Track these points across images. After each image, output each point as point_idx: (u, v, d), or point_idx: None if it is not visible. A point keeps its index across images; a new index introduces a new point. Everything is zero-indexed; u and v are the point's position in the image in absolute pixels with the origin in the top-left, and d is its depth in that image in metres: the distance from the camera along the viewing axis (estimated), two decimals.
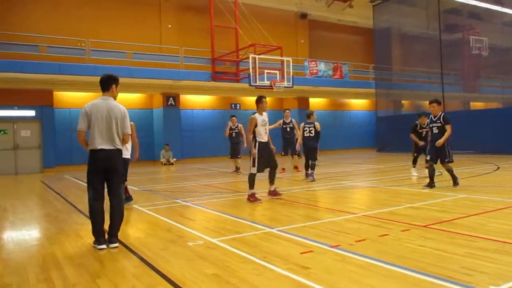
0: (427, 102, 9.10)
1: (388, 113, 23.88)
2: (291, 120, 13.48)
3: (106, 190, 5.07)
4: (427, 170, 8.94)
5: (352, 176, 12.29)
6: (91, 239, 5.08)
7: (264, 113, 8.07)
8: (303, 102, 24.10)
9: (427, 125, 9.29)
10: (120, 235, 5.14)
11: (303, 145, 11.38)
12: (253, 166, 7.83)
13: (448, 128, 8.41)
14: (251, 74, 16.34)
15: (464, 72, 23.45)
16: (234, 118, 14.00)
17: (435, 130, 8.59)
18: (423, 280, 3.45)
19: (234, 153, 13.76)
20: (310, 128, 11.06)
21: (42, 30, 17.06)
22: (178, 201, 8.37)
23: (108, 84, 5.10)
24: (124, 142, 5.14)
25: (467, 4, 22.09)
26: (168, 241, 5.15)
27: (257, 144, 7.84)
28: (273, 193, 8.19)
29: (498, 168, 12.45)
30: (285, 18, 24.13)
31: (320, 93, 24.50)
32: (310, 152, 11.12)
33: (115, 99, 5.15)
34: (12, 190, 11.84)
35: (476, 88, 23.99)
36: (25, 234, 5.98)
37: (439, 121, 8.54)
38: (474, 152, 17.49)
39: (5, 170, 16.78)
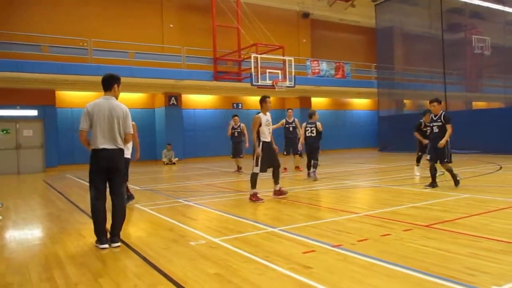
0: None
1: (390, 112, 23.84)
2: (293, 120, 13.48)
3: (108, 189, 5.08)
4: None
5: (354, 175, 12.28)
6: (93, 238, 5.08)
7: (268, 113, 8.08)
8: (305, 101, 24.08)
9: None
10: (122, 234, 5.15)
11: (305, 144, 11.41)
12: (256, 165, 7.82)
13: (449, 127, 8.39)
14: (253, 73, 16.32)
15: (467, 72, 23.38)
16: (236, 117, 14.00)
17: (436, 129, 8.58)
18: (426, 280, 3.44)
19: (236, 153, 13.77)
20: (312, 128, 11.09)
21: (45, 30, 17.08)
22: (180, 200, 8.37)
23: (110, 83, 5.10)
24: (126, 141, 5.14)
25: (470, 3, 22.02)
26: (170, 240, 5.15)
27: (260, 143, 7.84)
28: (279, 193, 8.15)
29: (501, 168, 12.42)
30: (287, 18, 24.11)
31: (322, 93, 24.48)
32: (311, 151, 11.17)
33: (117, 98, 5.15)
34: (15, 190, 11.87)
35: (478, 88, 23.93)
36: (28, 234, 5.99)
37: (439, 120, 8.53)
38: (477, 152, 17.45)
39: (7, 170, 16.82)
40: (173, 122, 20.22)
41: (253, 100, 22.70)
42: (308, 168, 11.25)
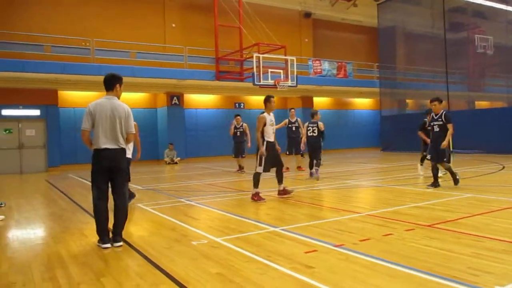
0: None
1: (393, 112, 23.78)
2: (296, 120, 13.48)
3: (110, 189, 5.08)
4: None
5: (356, 175, 12.26)
6: (95, 238, 5.09)
7: (271, 113, 8.08)
8: (307, 101, 24.07)
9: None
10: (124, 234, 5.16)
11: (307, 144, 11.42)
12: (260, 165, 7.82)
13: (450, 127, 8.38)
14: (255, 73, 16.32)
15: (469, 71, 23.30)
16: (239, 117, 13.99)
17: (436, 129, 8.58)
18: (428, 280, 3.43)
19: (238, 152, 13.75)
20: (314, 128, 11.11)
21: (45, 30, 17.09)
22: (182, 200, 8.37)
23: (112, 83, 5.10)
24: (128, 141, 5.15)
25: (472, 2, 21.95)
26: (172, 240, 5.15)
27: (264, 143, 7.84)
28: (283, 193, 8.13)
29: (503, 167, 12.38)
30: (289, 17, 24.09)
31: (324, 92, 24.46)
32: (313, 151, 11.19)
33: (119, 98, 5.16)
34: (17, 189, 11.90)
35: (481, 87, 23.84)
36: (30, 233, 6.01)
37: (440, 119, 8.52)
38: (479, 152, 17.40)
39: (10, 169, 16.86)
40: (175, 122, 20.23)
41: (255, 99, 22.70)
42: (310, 168, 11.26)
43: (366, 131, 26.78)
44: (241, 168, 13.75)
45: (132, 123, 5.15)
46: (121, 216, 5.06)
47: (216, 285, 3.53)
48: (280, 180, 8.12)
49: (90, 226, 5.93)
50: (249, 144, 13.49)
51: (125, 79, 5.40)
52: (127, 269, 4.16)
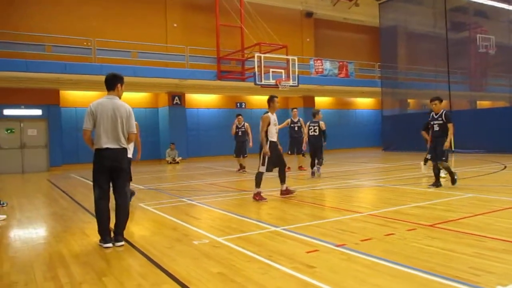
0: None
1: (394, 112, 23.75)
2: (299, 119, 13.49)
3: (111, 188, 5.09)
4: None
5: (357, 175, 12.26)
6: (97, 237, 5.10)
7: (274, 113, 8.10)
8: (308, 101, 24.07)
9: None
10: (126, 233, 5.16)
11: (308, 143, 11.45)
12: (263, 165, 7.82)
13: (450, 126, 8.38)
14: (257, 73, 16.33)
15: (471, 71, 23.27)
16: (240, 116, 14.00)
17: (436, 128, 8.58)
18: (430, 280, 3.42)
19: (239, 152, 13.76)
20: (315, 127, 11.16)
21: (45, 29, 17.10)
22: (183, 199, 8.38)
23: (113, 83, 5.11)
24: (129, 141, 5.15)
25: (474, 2, 21.91)
26: (173, 239, 5.15)
27: (268, 143, 7.84)
28: (286, 192, 8.13)
29: (505, 167, 12.35)
30: (290, 17, 24.08)
31: (325, 92, 24.45)
32: (315, 150, 11.23)
33: (120, 98, 5.16)
34: (19, 189, 11.92)
35: (483, 87, 23.82)
36: (32, 233, 6.02)
37: (440, 119, 8.52)
38: (481, 151, 17.37)
39: (12, 169, 16.90)
40: (176, 122, 20.25)
41: (257, 99, 22.70)
42: (312, 167, 11.26)
43: (367, 130, 26.76)
44: (242, 167, 13.75)
45: (134, 123, 5.15)
46: (123, 216, 5.06)
47: (218, 285, 3.53)
48: (282, 180, 8.12)
49: (91, 226, 5.93)
50: (250, 144, 13.49)
51: (126, 79, 5.41)
52: (128, 268, 4.16)
